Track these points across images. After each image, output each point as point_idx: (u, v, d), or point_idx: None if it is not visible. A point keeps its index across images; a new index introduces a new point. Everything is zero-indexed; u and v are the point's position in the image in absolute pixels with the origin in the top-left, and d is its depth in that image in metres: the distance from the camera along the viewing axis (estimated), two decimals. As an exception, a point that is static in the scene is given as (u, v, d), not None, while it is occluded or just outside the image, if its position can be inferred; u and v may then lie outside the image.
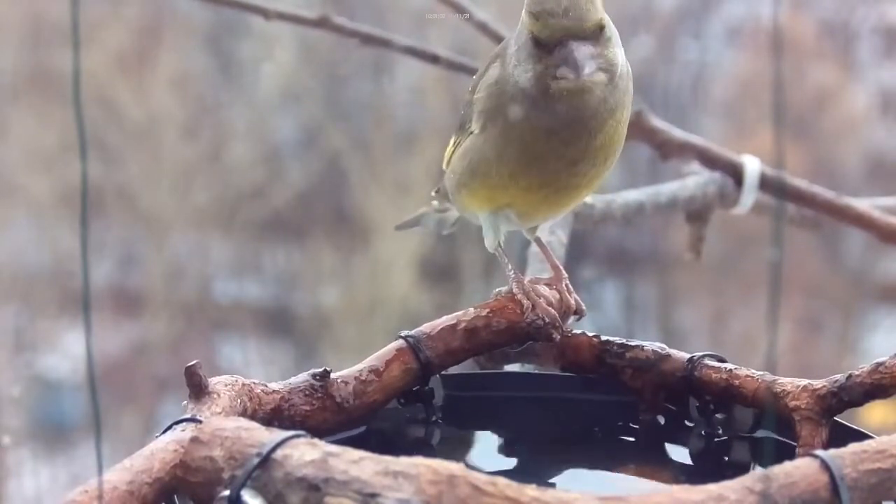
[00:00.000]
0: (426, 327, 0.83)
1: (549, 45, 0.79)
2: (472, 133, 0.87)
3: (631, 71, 0.85)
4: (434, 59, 1.38)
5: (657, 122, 1.38)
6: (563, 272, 0.91)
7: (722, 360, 0.83)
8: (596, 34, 0.79)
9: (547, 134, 0.82)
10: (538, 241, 0.96)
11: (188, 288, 4.42)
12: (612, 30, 0.81)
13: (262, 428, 0.62)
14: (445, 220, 1.06)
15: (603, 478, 0.80)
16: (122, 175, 4.33)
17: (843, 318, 4.46)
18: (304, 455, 0.59)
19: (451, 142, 0.93)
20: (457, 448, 0.84)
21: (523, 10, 0.81)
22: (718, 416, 0.83)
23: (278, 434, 0.61)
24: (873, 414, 2.92)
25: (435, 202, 1.03)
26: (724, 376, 0.81)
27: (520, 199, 0.86)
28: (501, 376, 0.88)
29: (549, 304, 0.85)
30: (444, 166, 0.96)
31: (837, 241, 4.14)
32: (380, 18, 3.95)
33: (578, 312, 0.89)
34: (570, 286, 0.90)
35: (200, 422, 0.67)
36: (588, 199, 1.22)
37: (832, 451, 0.62)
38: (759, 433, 0.82)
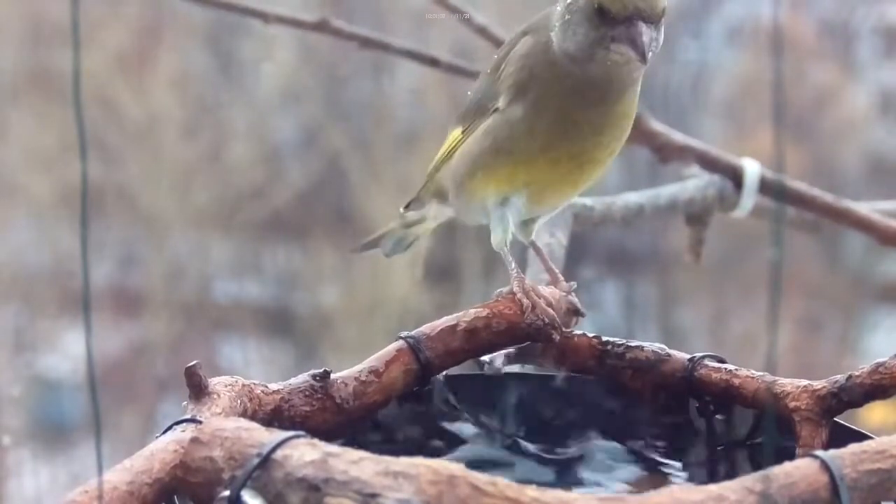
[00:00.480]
0: (426, 328, 0.83)
1: (616, 18, 0.80)
2: (495, 112, 0.88)
3: None
4: (433, 62, 1.39)
5: (656, 125, 1.38)
6: (560, 276, 0.92)
7: (722, 361, 0.83)
8: (659, 20, 0.81)
9: (579, 94, 0.84)
10: (534, 245, 0.96)
11: (188, 288, 4.41)
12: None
13: (262, 428, 0.62)
14: (406, 237, 1.06)
15: (603, 478, 0.80)
16: (122, 175, 4.33)
17: (843, 318, 4.46)
18: (304, 455, 0.59)
19: (458, 132, 0.92)
20: (457, 448, 0.84)
21: None
22: (718, 416, 0.83)
23: (278, 434, 0.61)
24: (873, 414, 2.92)
25: (409, 214, 1.03)
26: (724, 377, 0.81)
27: (544, 174, 0.87)
28: (501, 377, 0.88)
29: (549, 304, 0.85)
30: (437, 163, 0.95)
31: (837, 241, 4.13)
32: (379, 20, 3.95)
33: (577, 314, 0.89)
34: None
35: (200, 422, 0.67)
36: (588, 201, 1.22)
37: (832, 452, 0.62)
38: (759, 434, 0.82)
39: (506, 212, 0.89)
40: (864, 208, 1.42)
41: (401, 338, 0.83)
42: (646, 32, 0.80)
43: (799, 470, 0.60)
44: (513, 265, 0.87)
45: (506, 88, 0.87)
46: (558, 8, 0.85)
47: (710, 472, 0.80)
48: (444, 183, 0.94)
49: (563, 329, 0.86)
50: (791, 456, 0.66)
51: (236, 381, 0.75)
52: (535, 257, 1.07)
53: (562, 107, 0.85)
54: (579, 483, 0.79)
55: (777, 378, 0.80)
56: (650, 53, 0.80)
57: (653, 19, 0.80)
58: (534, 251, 0.97)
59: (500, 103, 0.87)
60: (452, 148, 0.93)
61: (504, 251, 0.89)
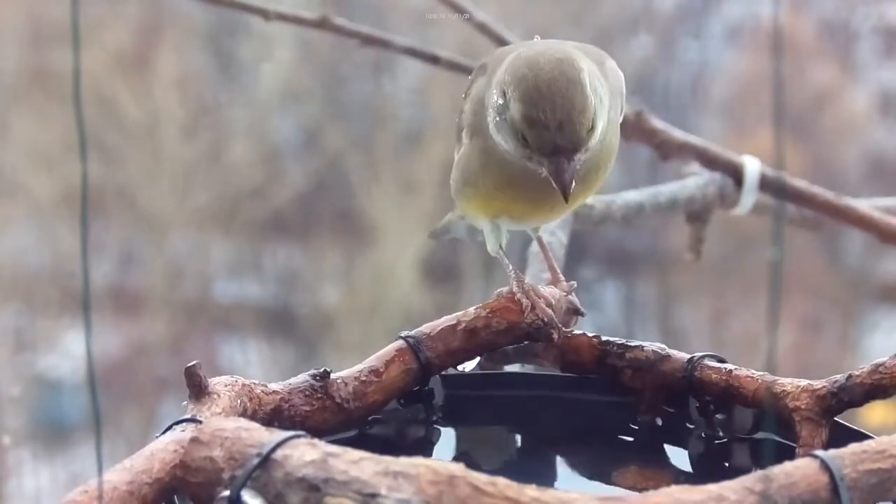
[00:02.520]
0: (426, 328, 0.83)
1: (539, 151, 0.76)
2: (463, 143, 0.87)
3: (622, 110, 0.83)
4: (434, 59, 1.38)
5: (656, 123, 1.38)
6: (561, 276, 0.92)
7: (722, 361, 0.83)
8: (584, 146, 0.76)
9: (521, 180, 0.80)
10: (539, 240, 0.96)
11: (188, 288, 4.42)
12: (601, 111, 0.76)
13: (262, 428, 0.62)
14: (472, 229, 1.04)
15: (603, 478, 0.80)
16: (122, 175, 4.33)
17: (843, 318, 4.47)
18: (304, 455, 0.59)
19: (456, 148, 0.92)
20: (457, 448, 0.84)
21: (511, 84, 0.76)
22: (718, 416, 0.83)
23: (278, 434, 0.61)
24: (873, 414, 2.92)
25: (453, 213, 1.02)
26: (724, 377, 0.81)
27: (511, 207, 0.86)
28: (501, 376, 0.88)
29: (549, 304, 0.85)
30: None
31: (837, 241, 4.14)
32: (380, 18, 3.95)
33: (577, 313, 0.89)
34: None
35: (200, 422, 0.67)
36: (588, 200, 1.22)
37: (832, 452, 0.62)
38: (759, 434, 0.82)
39: (499, 223, 0.89)
40: (864, 205, 1.42)
41: (401, 337, 0.82)
42: (568, 170, 0.75)
43: (799, 470, 0.60)
44: (510, 267, 0.87)
45: (466, 125, 0.85)
46: (493, 88, 0.78)
47: (711, 470, 0.80)
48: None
49: (563, 329, 0.86)
50: (791, 456, 0.66)
51: (236, 381, 0.75)
52: (534, 257, 1.07)
53: (508, 168, 0.80)
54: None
55: (777, 378, 0.80)
56: (574, 183, 0.75)
57: (576, 150, 0.75)
58: (538, 245, 0.97)
59: (464, 138, 0.86)
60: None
61: (500, 254, 0.89)
